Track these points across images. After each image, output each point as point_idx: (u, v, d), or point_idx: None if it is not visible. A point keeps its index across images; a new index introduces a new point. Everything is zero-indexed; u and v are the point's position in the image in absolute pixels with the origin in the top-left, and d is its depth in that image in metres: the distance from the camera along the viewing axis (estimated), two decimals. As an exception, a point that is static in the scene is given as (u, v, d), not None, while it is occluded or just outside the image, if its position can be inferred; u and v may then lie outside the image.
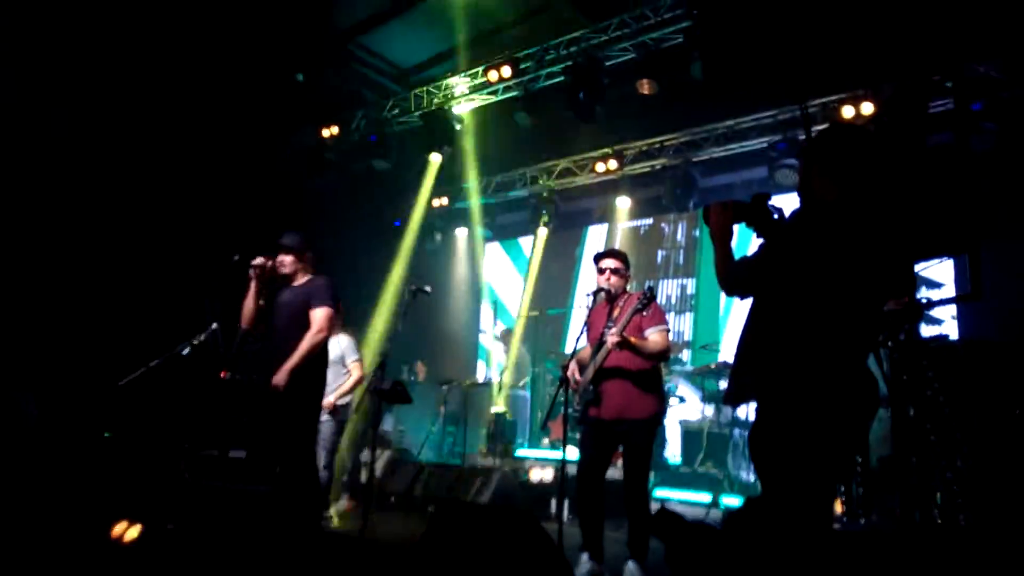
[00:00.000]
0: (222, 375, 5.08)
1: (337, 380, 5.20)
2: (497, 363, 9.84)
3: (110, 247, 6.91)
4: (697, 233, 8.97)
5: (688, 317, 8.81)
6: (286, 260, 4.12)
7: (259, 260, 4.08)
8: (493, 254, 11.07)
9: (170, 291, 6.89)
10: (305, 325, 3.95)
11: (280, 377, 3.80)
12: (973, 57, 5.61)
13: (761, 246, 2.30)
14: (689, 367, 7.74)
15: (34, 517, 3.71)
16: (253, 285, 4.10)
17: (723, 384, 6.56)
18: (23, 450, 4.56)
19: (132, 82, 6.99)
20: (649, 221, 9.43)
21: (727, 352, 7.05)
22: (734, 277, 2.33)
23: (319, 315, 3.96)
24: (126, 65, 6.87)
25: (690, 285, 8.91)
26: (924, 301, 3.00)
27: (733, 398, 2.39)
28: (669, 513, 2.58)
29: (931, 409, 3.20)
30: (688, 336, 8.63)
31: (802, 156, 2.48)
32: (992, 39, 5.51)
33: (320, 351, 4.02)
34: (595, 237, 9.82)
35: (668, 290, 8.96)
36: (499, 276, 10.92)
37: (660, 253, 9.18)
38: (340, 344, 5.29)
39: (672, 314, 8.75)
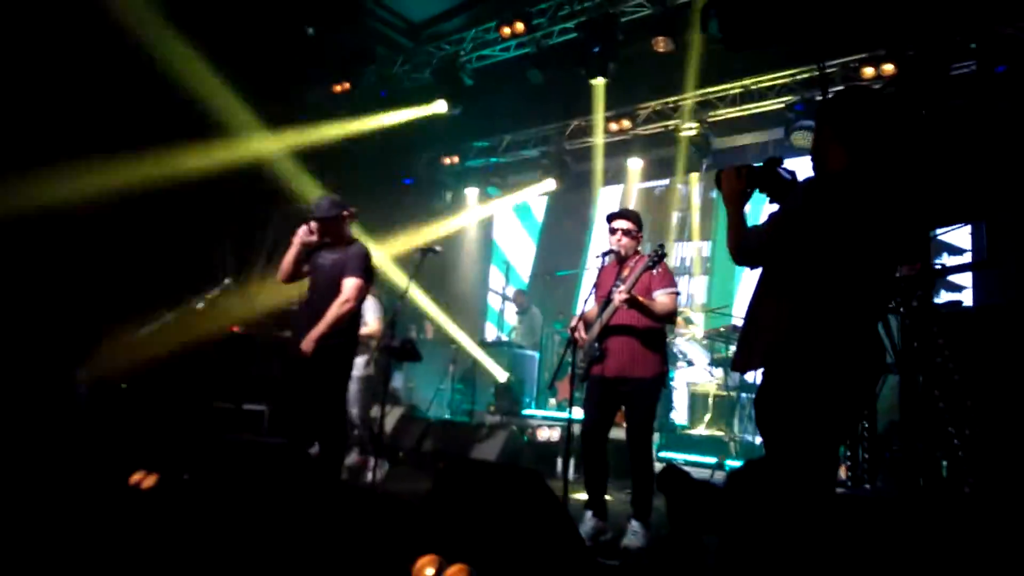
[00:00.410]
0: (233, 329, 5.15)
1: None
2: (505, 324, 9.90)
3: (125, 202, 6.92)
4: (714, 195, 8.78)
5: (703, 280, 8.72)
6: (329, 227, 4.10)
7: (309, 229, 4.04)
8: (503, 214, 11.02)
9: (185, 245, 6.92)
10: (336, 291, 3.96)
11: (307, 344, 3.86)
12: (998, 18, 5.43)
13: (771, 216, 2.28)
14: (699, 330, 7.75)
15: (53, 465, 3.81)
16: (297, 243, 4.10)
17: (732, 348, 6.57)
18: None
19: (141, 36, 6.89)
20: (665, 182, 9.25)
21: (738, 317, 7.04)
22: (745, 248, 2.31)
23: (348, 285, 3.96)
24: (136, 21, 6.78)
25: (705, 248, 8.77)
26: (939, 267, 2.97)
27: (741, 364, 2.39)
28: (674, 469, 2.61)
29: (940, 376, 3.20)
30: (702, 299, 8.56)
31: (817, 119, 2.42)
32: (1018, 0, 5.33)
33: (351, 319, 4.03)
34: (608, 198, 9.72)
35: (683, 252, 8.87)
36: (509, 236, 10.89)
37: (676, 215, 9.05)
38: (364, 308, 5.34)
39: (687, 277, 8.70)
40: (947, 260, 5.13)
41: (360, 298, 4.02)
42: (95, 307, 6.35)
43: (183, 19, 6.90)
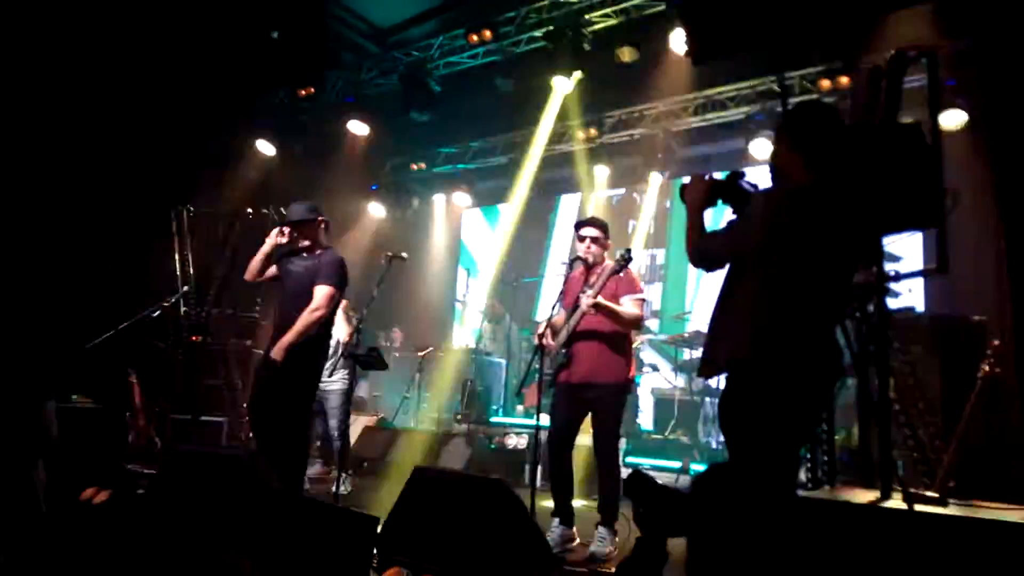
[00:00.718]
0: (192, 339, 5.04)
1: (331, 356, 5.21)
2: (473, 330, 9.86)
3: (78, 208, 6.73)
4: (669, 204, 8.98)
5: (658, 287, 8.90)
6: (303, 232, 4.04)
7: (281, 237, 3.99)
8: (472, 220, 11.01)
9: (140, 254, 6.76)
10: (308, 299, 3.88)
11: (277, 352, 3.78)
12: (948, 33, 5.63)
13: (730, 223, 2.36)
14: (661, 336, 7.83)
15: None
16: (269, 245, 4.03)
17: (694, 353, 6.66)
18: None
19: (100, 38, 6.73)
20: (621, 191, 9.42)
21: (698, 322, 7.14)
22: (703, 250, 2.39)
23: (320, 293, 3.88)
24: (98, 21, 6.62)
25: (660, 255, 8.99)
26: (893, 273, 3.06)
27: (706, 371, 2.45)
28: (640, 475, 2.63)
29: (895, 379, 3.28)
30: (657, 306, 8.72)
31: (776, 130, 2.53)
32: (964, 17, 5.53)
33: (322, 328, 3.95)
34: (568, 205, 9.77)
35: (638, 260, 8.99)
36: (478, 243, 10.88)
37: (631, 223, 9.17)
38: (343, 319, 5.30)
39: (642, 283, 8.82)
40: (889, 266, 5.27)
41: (331, 306, 3.92)
42: (44, 318, 6.15)
43: (145, 19, 6.77)
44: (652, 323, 8.08)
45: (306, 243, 4.05)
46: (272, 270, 4.11)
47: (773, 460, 2.16)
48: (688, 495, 2.59)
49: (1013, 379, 3.74)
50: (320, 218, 4.06)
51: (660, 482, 2.70)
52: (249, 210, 4.77)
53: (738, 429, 2.24)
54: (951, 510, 2.41)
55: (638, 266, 8.85)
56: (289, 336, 3.78)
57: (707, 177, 2.45)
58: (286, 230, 3.98)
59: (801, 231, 2.19)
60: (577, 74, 6.98)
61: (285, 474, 3.77)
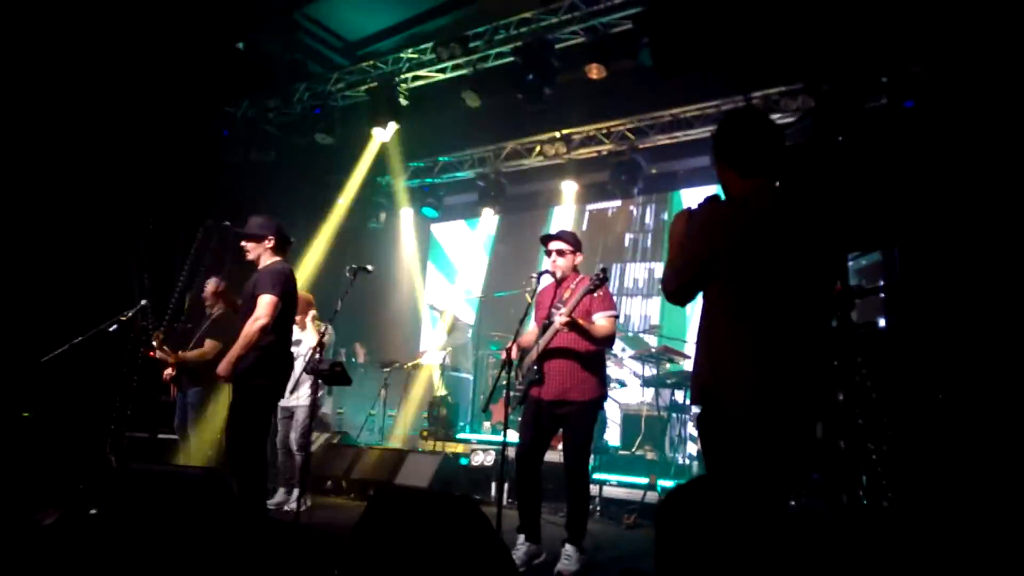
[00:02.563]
0: (150, 354, 4.88)
1: (301, 370, 5.14)
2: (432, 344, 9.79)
3: (35, 220, 6.52)
4: (665, 216, 8.93)
5: (656, 301, 8.75)
6: (248, 246, 4.05)
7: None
8: (441, 235, 10.96)
9: (97, 266, 6.56)
10: (252, 311, 3.83)
11: (222, 367, 3.74)
12: (908, 57, 5.81)
13: (679, 250, 2.28)
14: (630, 351, 7.85)
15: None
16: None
17: (661, 368, 6.69)
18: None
19: (66, 51, 6.56)
20: (617, 203, 9.27)
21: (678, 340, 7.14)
22: (663, 284, 2.32)
23: (262, 302, 3.82)
24: (60, 33, 6.45)
25: (658, 269, 8.81)
26: (856, 288, 3.12)
27: (695, 397, 2.31)
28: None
29: (859, 394, 3.33)
30: (655, 320, 8.61)
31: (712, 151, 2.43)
32: (924, 40, 5.72)
33: (272, 339, 3.86)
34: (562, 218, 9.57)
35: (635, 273, 8.95)
36: (444, 258, 10.82)
37: (628, 236, 9.15)
38: (312, 334, 5.24)
39: (639, 298, 8.79)
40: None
41: (274, 315, 3.83)
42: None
43: (109, 28, 6.62)
44: (651, 340, 8.01)
45: (251, 258, 4.06)
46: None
47: (746, 482, 2.12)
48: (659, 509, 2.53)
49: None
50: (269, 236, 4.02)
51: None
52: (210, 221, 4.67)
53: (709, 454, 2.21)
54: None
55: (635, 279, 8.87)
56: (234, 350, 3.73)
57: (685, 211, 2.35)
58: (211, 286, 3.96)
59: (740, 248, 2.12)
60: (545, 90, 7.02)
61: (245, 491, 3.67)
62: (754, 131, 2.26)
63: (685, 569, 2.03)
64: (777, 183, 2.26)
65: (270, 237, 4.03)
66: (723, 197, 2.34)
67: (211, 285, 5.28)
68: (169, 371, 5.12)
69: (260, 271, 3.98)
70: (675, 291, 2.26)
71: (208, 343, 5.13)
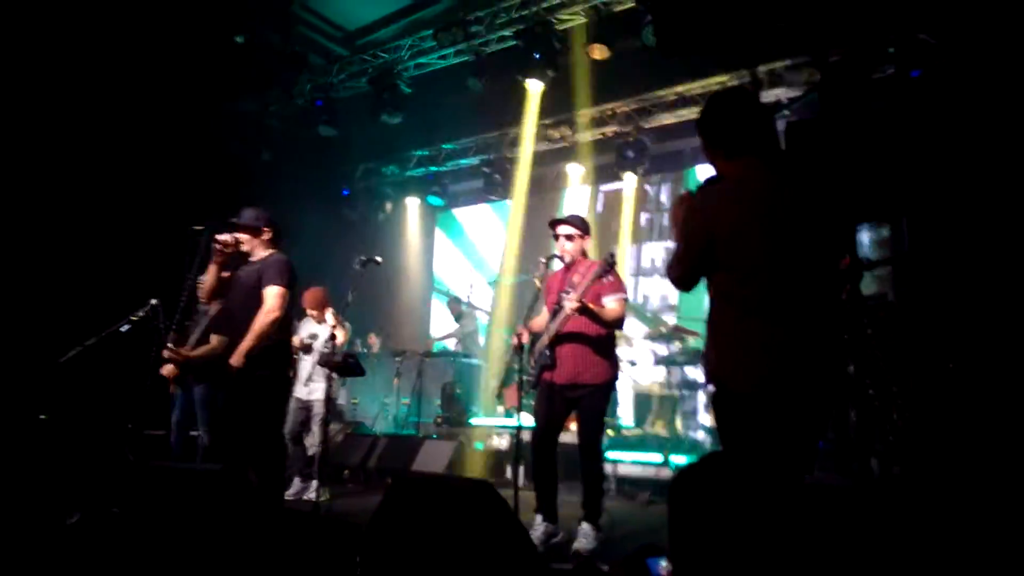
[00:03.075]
0: (165, 353, 4.93)
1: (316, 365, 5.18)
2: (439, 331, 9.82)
3: (46, 221, 6.57)
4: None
5: None
6: (242, 238, 4.04)
7: (224, 237, 3.98)
8: (447, 223, 10.97)
9: (109, 266, 6.61)
10: (257, 303, 3.83)
11: (236, 358, 3.73)
12: (915, 25, 5.72)
13: (679, 235, 2.26)
14: (644, 330, 7.85)
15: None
16: (216, 260, 4.00)
17: (672, 347, 6.69)
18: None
19: (66, 49, 6.58)
20: (633, 184, 8.99)
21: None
22: (668, 269, 2.30)
23: (271, 294, 3.83)
24: (61, 31, 6.46)
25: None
26: (866, 261, 3.11)
27: (708, 376, 2.29)
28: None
29: (869, 365, 3.33)
30: (673, 300, 8.54)
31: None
32: (931, 6, 5.63)
33: (280, 330, 3.90)
34: (575, 201, 9.43)
35: (652, 253, 8.88)
36: (451, 246, 10.84)
37: (644, 216, 9.08)
38: (328, 328, 5.27)
39: (656, 277, 8.75)
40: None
41: (284, 306, 3.86)
42: (11, 332, 5.99)
43: (108, 25, 6.62)
44: (670, 319, 7.95)
45: (247, 249, 4.03)
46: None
47: (759, 456, 2.12)
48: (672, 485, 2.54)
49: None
50: (265, 228, 4.02)
51: None
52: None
53: (722, 431, 2.21)
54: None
55: (652, 259, 8.82)
56: (247, 341, 3.73)
57: (686, 192, 2.33)
58: (225, 237, 3.97)
59: (737, 229, 2.10)
60: (549, 73, 6.98)
61: (262, 486, 3.72)
62: (735, 111, 2.24)
63: (698, 544, 2.05)
64: (773, 160, 2.23)
65: (266, 228, 4.03)
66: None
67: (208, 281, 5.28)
68: (170, 368, 5.13)
69: (264, 263, 3.96)
70: (678, 278, 2.26)
71: (215, 339, 5.13)
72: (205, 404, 5.13)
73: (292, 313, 4.11)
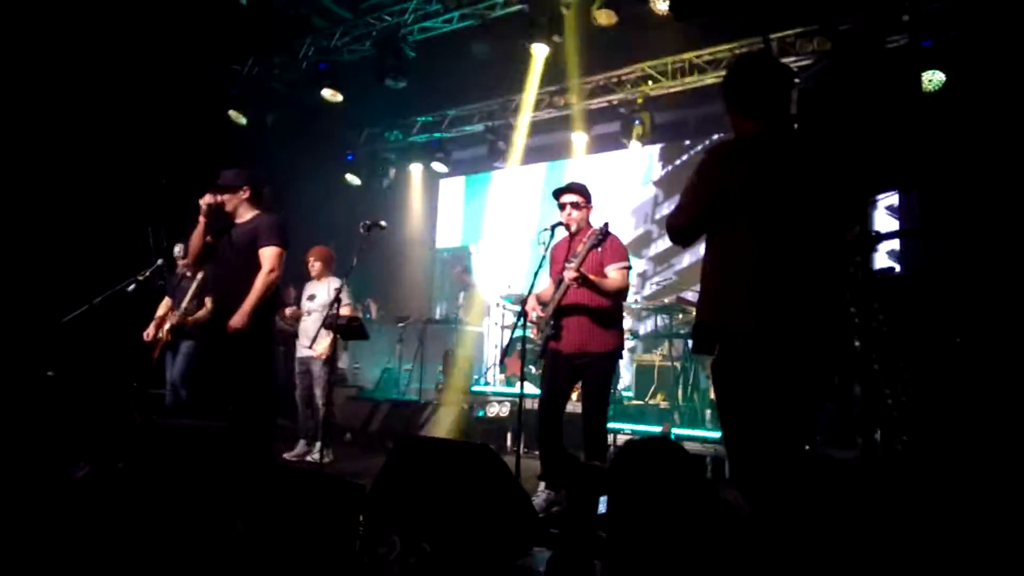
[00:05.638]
0: (172, 319, 4.95)
1: (318, 324, 5.17)
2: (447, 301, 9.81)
3: (50, 181, 6.53)
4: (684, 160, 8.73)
5: (676, 251, 8.44)
6: (224, 198, 3.98)
7: (207, 198, 3.93)
8: (451, 189, 10.91)
9: (113, 226, 6.59)
10: (251, 264, 3.82)
11: (238, 319, 3.72)
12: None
13: (684, 191, 2.26)
14: (643, 303, 7.85)
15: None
16: (201, 222, 3.97)
17: (675, 318, 6.70)
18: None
19: (69, 13, 6.46)
20: (636, 152, 8.66)
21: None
22: (668, 221, 2.31)
23: (268, 255, 3.83)
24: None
25: None
26: (875, 233, 3.08)
27: (698, 347, 2.30)
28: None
29: (876, 339, 3.33)
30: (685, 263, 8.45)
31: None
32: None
33: (275, 291, 3.92)
34: (576, 170, 8.96)
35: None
36: (456, 212, 10.79)
37: (645, 186, 9.02)
38: (331, 288, 5.26)
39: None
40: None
41: (281, 265, 3.87)
42: (19, 293, 6.00)
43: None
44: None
45: (229, 210, 3.98)
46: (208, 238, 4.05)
47: (758, 418, 2.12)
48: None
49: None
50: (245, 187, 3.97)
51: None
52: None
53: (729, 399, 2.21)
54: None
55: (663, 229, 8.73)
56: (250, 301, 3.73)
57: (703, 150, 2.38)
58: (208, 198, 3.91)
59: (746, 183, 2.11)
60: (555, 38, 6.85)
61: (253, 441, 3.74)
62: (760, 72, 2.27)
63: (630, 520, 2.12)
64: (788, 124, 2.24)
65: (245, 187, 3.98)
66: None
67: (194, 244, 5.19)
68: (153, 331, 5.11)
69: (258, 224, 3.93)
70: (681, 227, 2.26)
71: (210, 301, 5.13)
72: (192, 359, 5.14)
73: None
